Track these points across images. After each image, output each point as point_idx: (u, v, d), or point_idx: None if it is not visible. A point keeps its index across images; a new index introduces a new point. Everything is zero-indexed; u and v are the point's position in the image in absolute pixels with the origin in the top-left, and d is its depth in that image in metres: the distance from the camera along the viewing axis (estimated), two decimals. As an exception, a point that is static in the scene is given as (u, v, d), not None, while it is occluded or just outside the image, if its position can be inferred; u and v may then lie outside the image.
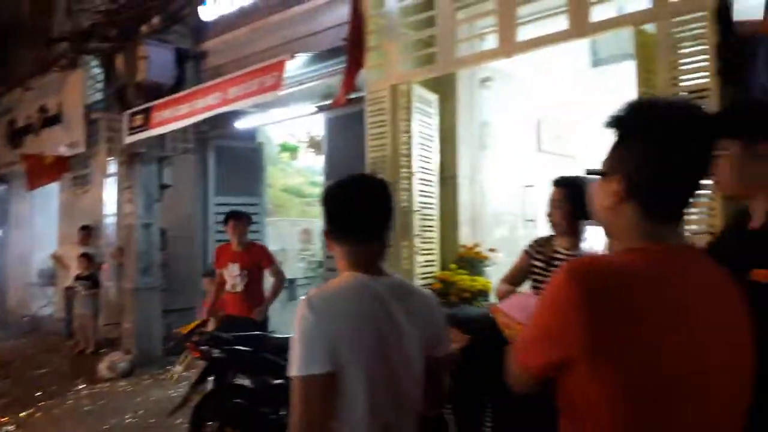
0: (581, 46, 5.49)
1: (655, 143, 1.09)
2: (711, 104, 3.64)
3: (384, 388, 1.41)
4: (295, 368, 1.35)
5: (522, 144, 6.35)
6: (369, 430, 1.38)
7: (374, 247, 1.54)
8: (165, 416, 4.44)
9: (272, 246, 6.98)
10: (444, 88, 6.05)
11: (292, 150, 8.05)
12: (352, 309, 1.41)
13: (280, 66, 5.11)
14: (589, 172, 1.24)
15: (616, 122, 1.15)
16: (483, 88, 6.45)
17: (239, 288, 4.90)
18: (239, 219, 5.05)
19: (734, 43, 3.71)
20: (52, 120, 9.79)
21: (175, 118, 6.14)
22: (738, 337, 1.11)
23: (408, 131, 5.41)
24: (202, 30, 7.91)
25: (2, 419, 5.35)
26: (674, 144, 1.07)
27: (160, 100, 6.43)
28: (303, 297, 1.42)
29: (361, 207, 1.53)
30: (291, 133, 7.88)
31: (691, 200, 1.14)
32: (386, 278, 1.52)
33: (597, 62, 6.29)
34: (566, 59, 5.42)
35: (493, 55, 4.88)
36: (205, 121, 7.07)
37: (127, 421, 5.17)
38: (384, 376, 1.41)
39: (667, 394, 1.01)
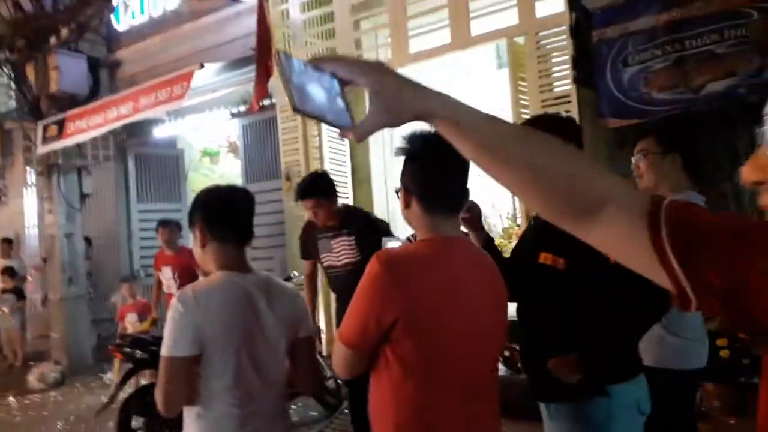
0: (488, 50, 5.79)
1: (420, 163, 1.53)
2: (572, 108, 4.19)
3: (249, 363, 1.76)
4: (163, 350, 1.69)
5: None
6: (233, 396, 1.74)
7: (242, 248, 1.88)
8: (93, 417, 4.66)
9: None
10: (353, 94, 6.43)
11: (213, 155, 8.24)
12: (221, 301, 1.75)
13: (188, 76, 5.34)
14: (396, 191, 1.66)
15: (398, 151, 1.58)
16: None
17: (174, 289, 5.21)
18: (167, 226, 5.45)
19: (588, 53, 4.25)
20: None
21: (89, 128, 6.25)
22: (489, 299, 1.58)
23: (318, 135, 5.77)
24: (114, 39, 7.97)
25: (-71, 437, 5.40)
26: (432, 163, 1.50)
27: (74, 111, 6.50)
28: (177, 293, 1.77)
29: (233, 213, 1.88)
30: (212, 138, 8.06)
31: (461, 200, 1.58)
32: (253, 275, 1.88)
33: (501, 65, 6.74)
34: (476, 61, 5.74)
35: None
36: (123, 129, 7.20)
37: (58, 428, 5.34)
38: (248, 355, 1.76)
39: (439, 336, 1.47)
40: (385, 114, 0.79)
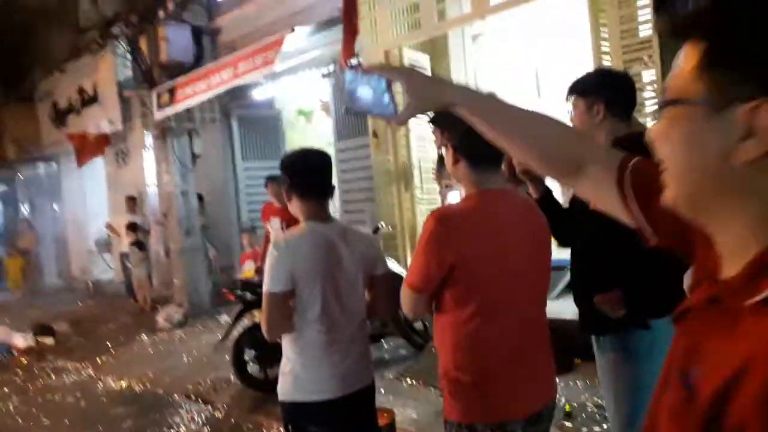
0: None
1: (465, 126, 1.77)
2: (654, 54, 4.11)
3: (333, 297, 2.10)
4: (264, 287, 2.07)
5: (520, 92, 6.59)
6: (320, 324, 2.09)
7: (323, 202, 2.21)
8: (212, 351, 5.34)
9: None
10: (436, 48, 6.53)
11: (307, 114, 8.66)
12: (306, 246, 2.09)
13: (279, 42, 5.69)
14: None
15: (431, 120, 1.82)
16: (475, 44, 6.86)
17: (281, 238, 5.76)
18: (275, 181, 5.85)
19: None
20: (90, 100, 10.63)
21: (195, 93, 6.83)
22: (533, 243, 1.80)
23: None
24: (214, 7, 8.48)
25: (81, 364, 6.39)
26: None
27: (182, 78, 7.11)
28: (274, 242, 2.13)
29: (311, 173, 2.19)
30: (306, 98, 8.48)
31: (501, 156, 1.77)
32: (333, 224, 2.21)
33: (581, 12, 6.52)
34: (562, 12, 5.61)
35: (467, 18, 5.35)
36: (226, 93, 7.75)
37: (183, 360, 6.13)
38: (332, 290, 2.10)
39: (489, 278, 1.71)
40: (415, 104, 1.03)
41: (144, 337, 7.35)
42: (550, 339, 1.85)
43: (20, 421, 5.03)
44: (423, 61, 6.28)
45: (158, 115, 7.43)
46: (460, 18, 5.52)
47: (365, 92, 1.05)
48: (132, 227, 9.09)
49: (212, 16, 8.48)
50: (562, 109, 2.18)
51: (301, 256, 2.07)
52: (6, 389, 5.89)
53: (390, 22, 5.89)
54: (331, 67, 6.96)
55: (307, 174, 2.19)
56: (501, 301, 1.71)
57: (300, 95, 8.51)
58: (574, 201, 2.35)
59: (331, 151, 5.83)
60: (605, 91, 2.10)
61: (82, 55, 9.88)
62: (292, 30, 5.78)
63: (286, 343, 2.17)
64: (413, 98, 1.03)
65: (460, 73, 6.61)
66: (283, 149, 8.87)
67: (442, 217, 1.73)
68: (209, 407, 4.75)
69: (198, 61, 8.26)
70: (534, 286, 1.81)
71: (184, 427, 4.48)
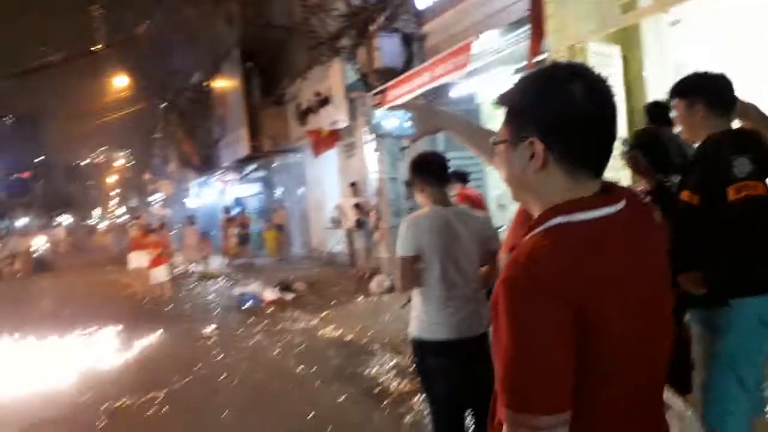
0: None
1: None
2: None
3: (450, 263, 2.87)
4: (396, 253, 2.93)
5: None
6: (440, 283, 2.87)
7: (442, 190, 2.98)
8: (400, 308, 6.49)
9: (495, 191, 8.67)
10: (627, 38, 6.65)
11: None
12: (428, 223, 2.88)
13: (467, 47, 6.48)
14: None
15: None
16: (673, 30, 6.73)
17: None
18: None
19: None
20: (324, 102, 12.64)
21: (400, 95, 7.99)
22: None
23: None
24: (421, 15, 9.56)
25: (310, 315, 8.10)
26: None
27: (390, 83, 8.33)
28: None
29: (430, 168, 2.98)
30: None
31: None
32: (452, 208, 3.00)
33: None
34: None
35: (648, 11, 5.44)
36: (429, 91, 8.80)
37: (385, 318, 7.41)
38: (449, 257, 2.87)
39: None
40: (420, 129, 1.83)
41: (359, 299, 8.88)
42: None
43: (263, 350, 6.78)
44: (612, 53, 6.51)
45: (371, 114, 8.80)
46: (642, 11, 5.64)
47: (392, 121, 1.90)
48: (357, 207, 10.78)
49: (420, 23, 9.58)
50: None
51: (423, 230, 2.91)
52: (256, 328, 7.86)
53: (575, 19, 6.25)
54: (523, 64, 7.53)
55: (425, 169, 2.99)
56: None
57: (497, 89, 9.18)
58: (659, 190, 2.78)
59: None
60: (703, 91, 2.43)
61: (318, 65, 11.85)
62: (478, 36, 6.53)
63: (416, 296, 3.03)
64: (418, 125, 1.82)
65: (655, 63, 6.61)
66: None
67: None
68: (398, 356, 5.87)
69: (408, 64, 9.44)
70: None
71: (377, 368, 5.66)
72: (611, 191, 1.16)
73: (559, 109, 1.11)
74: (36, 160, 61.18)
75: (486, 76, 8.33)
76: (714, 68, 2.55)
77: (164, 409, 5.16)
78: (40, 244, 24.89)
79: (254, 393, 5.38)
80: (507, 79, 8.08)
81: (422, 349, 2.97)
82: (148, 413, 5.10)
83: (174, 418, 4.97)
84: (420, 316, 2.96)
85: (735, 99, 2.50)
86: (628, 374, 1.07)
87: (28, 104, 54.99)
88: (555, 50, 6.46)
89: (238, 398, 5.26)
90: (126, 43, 14.42)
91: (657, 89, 6.41)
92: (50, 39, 35.88)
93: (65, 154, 70.22)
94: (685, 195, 2.44)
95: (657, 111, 3.24)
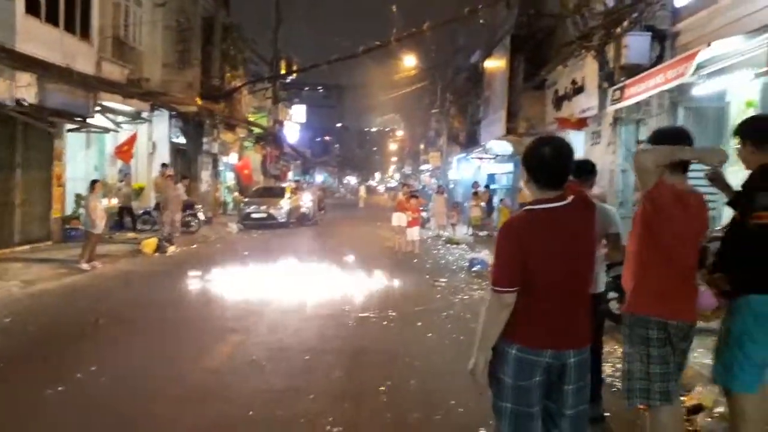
0: None
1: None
2: None
3: None
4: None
5: None
6: None
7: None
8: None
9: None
10: None
11: (755, 105, 9.02)
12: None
13: (694, 56, 6.83)
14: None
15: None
16: None
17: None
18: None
19: None
20: (579, 90, 13.27)
21: (635, 93, 8.48)
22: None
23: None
24: (677, 13, 9.67)
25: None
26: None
27: (629, 80, 8.83)
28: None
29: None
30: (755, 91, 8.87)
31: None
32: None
33: None
34: None
35: None
36: (676, 87, 9.04)
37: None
38: None
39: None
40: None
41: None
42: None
43: (475, 301, 8.23)
44: None
45: (610, 108, 9.39)
46: None
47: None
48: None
49: (674, 21, 9.71)
50: None
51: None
52: (477, 285, 9.33)
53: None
54: (764, 69, 7.45)
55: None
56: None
57: (750, 88, 8.96)
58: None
59: None
60: (750, 132, 3.11)
61: (578, 55, 12.53)
62: (708, 45, 6.81)
63: None
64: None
65: None
66: (727, 138, 9.46)
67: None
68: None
69: (659, 60, 9.69)
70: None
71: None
72: (564, 196, 2.33)
73: (535, 158, 2.38)
74: (336, 126, 71.38)
75: (731, 76, 8.31)
76: None
77: (393, 323, 7.02)
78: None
79: (461, 326, 6.87)
80: (750, 80, 8.01)
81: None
82: (383, 323, 7.03)
83: (401, 329, 6.79)
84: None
85: None
86: (546, 284, 2.33)
87: (336, 77, 64.41)
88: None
89: (448, 328, 6.86)
90: (415, 35, 16.80)
91: None
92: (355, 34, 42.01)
93: (358, 122, 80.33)
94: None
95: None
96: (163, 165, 16.59)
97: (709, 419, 3.88)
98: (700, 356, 5.00)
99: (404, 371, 5.19)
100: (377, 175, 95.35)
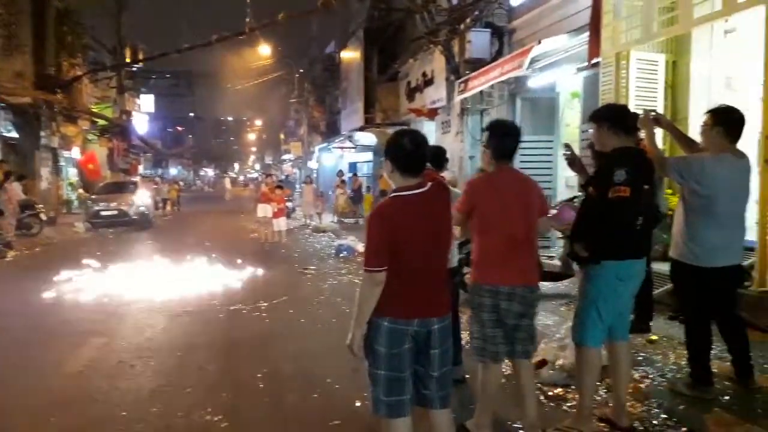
0: None
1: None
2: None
3: None
4: None
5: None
6: None
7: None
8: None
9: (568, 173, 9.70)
10: (679, 45, 7.46)
11: (578, 96, 10.26)
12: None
13: (527, 52, 7.67)
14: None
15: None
16: (727, 39, 7.30)
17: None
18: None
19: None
20: (429, 82, 14.10)
21: (476, 86, 9.29)
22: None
23: (626, 87, 7.30)
24: (512, 11, 10.67)
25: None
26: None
27: (472, 74, 9.64)
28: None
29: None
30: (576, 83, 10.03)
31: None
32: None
33: None
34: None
35: (710, 17, 5.99)
36: (513, 80, 9.98)
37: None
38: None
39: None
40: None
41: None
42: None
43: (345, 285, 8.55)
44: (657, 60, 7.41)
45: (456, 98, 10.16)
46: (699, 18, 6.06)
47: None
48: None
49: (510, 19, 10.70)
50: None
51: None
52: (344, 270, 9.67)
53: (623, 29, 7.18)
54: (584, 64, 8.53)
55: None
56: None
57: (574, 81, 10.15)
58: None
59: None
60: (609, 117, 3.50)
61: (426, 49, 13.30)
62: (539, 42, 7.69)
63: None
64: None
65: (703, 70, 7.35)
66: (556, 125, 10.67)
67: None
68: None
69: (498, 55, 10.63)
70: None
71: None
72: (424, 182, 2.66)
73: (397, 149, 2.67)
74: (189, 116, 68.07)
75: (559, 70, 9.38)
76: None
77: (265, 314, 7.12)
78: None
79: (332, 310, 7.15)
80: (573, 75, 9.11)
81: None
82: (254, 314, 7.10)
83: (273, 318, 6.90)
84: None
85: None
86: (411, 262, 2.63)
87: (186, 62, 60.84)
88: (605, 56, 7.46)
89: (319, 313, 7.10)
90: (269, 25, 16.65)
91: (701, 95, 7.22)
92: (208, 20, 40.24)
93: (213, 112, 77.19)
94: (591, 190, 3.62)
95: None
96: (-5, 162, 14.97)
97: (552, 371, 4.45)
98: (543, 318, 5.75)
99: (279, 357, 5.35)
100: (236, 166, 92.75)
